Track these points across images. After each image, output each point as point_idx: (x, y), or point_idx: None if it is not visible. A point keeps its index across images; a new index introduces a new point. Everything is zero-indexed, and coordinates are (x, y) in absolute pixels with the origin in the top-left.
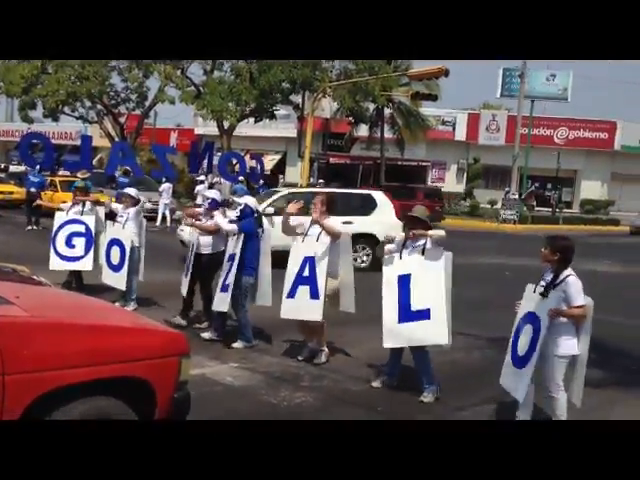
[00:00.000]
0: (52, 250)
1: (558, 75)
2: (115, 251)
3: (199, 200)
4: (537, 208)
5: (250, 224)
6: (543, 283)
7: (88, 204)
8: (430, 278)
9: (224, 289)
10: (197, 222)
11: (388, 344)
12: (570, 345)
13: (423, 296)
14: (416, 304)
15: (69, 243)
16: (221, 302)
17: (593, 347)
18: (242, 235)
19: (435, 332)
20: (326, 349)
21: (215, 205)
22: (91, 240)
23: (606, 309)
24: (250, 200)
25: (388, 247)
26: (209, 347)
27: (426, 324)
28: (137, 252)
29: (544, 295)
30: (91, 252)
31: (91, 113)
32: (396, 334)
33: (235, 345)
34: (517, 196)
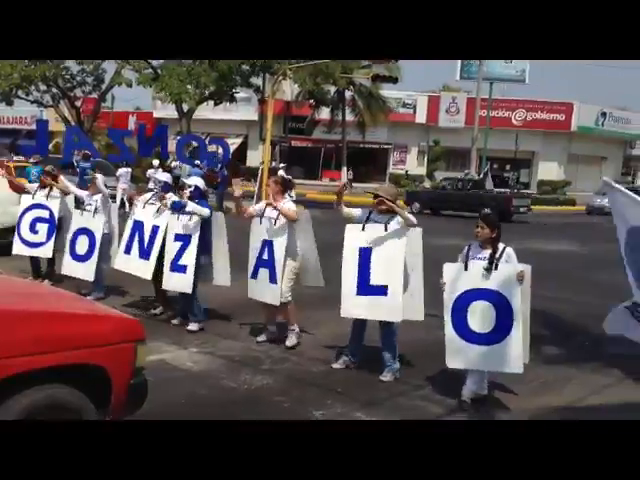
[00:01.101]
0: (16, 234)
1: None
2: (83, 241)
3: (151, 184)
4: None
5: (208, 206)
6: (481, 257)
7: (55, 189)
8: (391, 255)
9: (180, 269)
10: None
11: (344, 314)
12: None
13: (382, 272)
14: (375, 279)
15: (33, 228)
16: (182, 283)
17: (547, 324)
18: (196, 218)
19: (390, 309)
20: (297, 329)
21: (167, 188)
22: (53, 226)
23: (561, 287)
24: (200, 181)
25: (350, 212)
26: (168, 333)
27: (382, 300)
28: (105, 239)
29: (489, 269)
30: (52, 239)
31: (46, 97)
32: (353, 305)
33: (191, 327)
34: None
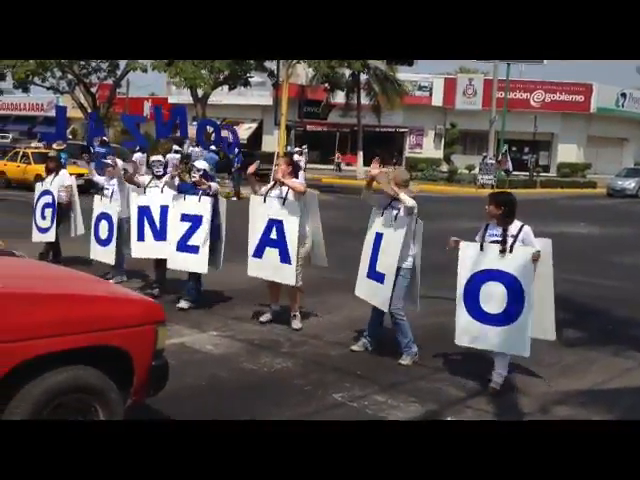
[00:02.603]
0: (33, 223)
1: None
2: (103, 225)
3: (156, 169)
4: (515, 172)
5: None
6: (494, 238)
7: (62, 173)
8: (391, 245)
9: (191, 250)
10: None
11: (357, 292)
12: None
13: (384, 260)
14: (379, 266)
15: (42, 214)
16: (195, 264)
17: (569, 307)
18: (208, 198)
19: (381, 297)
20: (298, 314)
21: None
22: (55, 210)
23: (582, 270)
24: (206, 165)
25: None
26: (188, 316)
27: (378, 287)
28: (125, 224)
29: (504, 251)
30: (54, 223)
31: (62, 83)
32: (362, 287)
33: (181, 304)
34: (494, 161)
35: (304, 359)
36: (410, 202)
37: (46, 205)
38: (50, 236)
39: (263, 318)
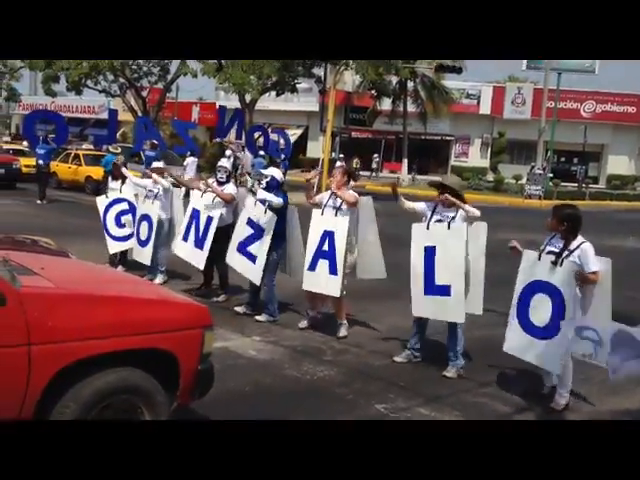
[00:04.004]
0: (106, 234)
1: None
2: (144, 227)
3: (220, 175)
4: (563, 183)
5: (284, 197)
6: (553, 249)
7: (129, 179)
8: (453, 254)
9: (248, 256)
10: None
11: (415, 313)
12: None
13: (445, 272)
14: (439, 279)
15: (119, 223)
16: (250, 272)
17: (619, 322)
18: (272, 212)
19: (453, 310)
20: (345, 322)
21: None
22: (135, 216)
23: (630, 285)
24: (276, 172)
25: (413, 206)
26: (232, 321)
27: (446, 300)
28: (166, 225)
29: (555, 263)
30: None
31: (114, 86)
32: (422, 305)
33: (259, 318)
34: (542, 171)
35: (347, 368)
36: (477, 212)
37: (122, 212)
38: (132, 242)
39: (301, 325)
